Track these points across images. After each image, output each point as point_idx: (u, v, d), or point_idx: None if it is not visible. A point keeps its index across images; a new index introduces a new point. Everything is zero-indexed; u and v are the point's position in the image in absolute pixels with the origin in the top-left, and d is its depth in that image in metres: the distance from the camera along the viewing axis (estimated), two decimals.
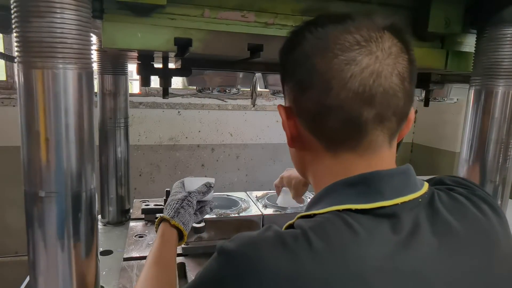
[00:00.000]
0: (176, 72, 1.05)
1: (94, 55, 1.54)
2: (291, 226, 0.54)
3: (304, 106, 0.59)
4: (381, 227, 0.51)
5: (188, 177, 1.13)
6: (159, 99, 3.65)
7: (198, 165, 3.98)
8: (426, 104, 1.30)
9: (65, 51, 0.67)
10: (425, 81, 1.21)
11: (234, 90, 1.22)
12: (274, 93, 1.31)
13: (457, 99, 1.43)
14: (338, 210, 0.53)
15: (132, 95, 3.57)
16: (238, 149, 4.08)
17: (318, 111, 0.56)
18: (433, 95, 1.35)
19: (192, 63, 1.07)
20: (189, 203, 1.01)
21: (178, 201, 1.00)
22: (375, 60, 0.52)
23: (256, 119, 4.05)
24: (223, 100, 3.89)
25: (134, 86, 3.86)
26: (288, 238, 0.49)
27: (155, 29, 0.82)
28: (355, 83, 0.52)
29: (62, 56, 0.67)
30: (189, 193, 1.03)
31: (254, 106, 4.04)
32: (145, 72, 1.00)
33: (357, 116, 0.54)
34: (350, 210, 0.53)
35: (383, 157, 0.58)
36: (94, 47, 1.54)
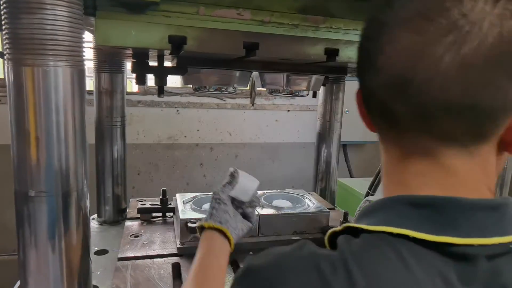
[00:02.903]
0: (172, 71, 1.04)
1: (91, 53, 1.53)
2: (333, 239, 0.46)
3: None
4: (446, 270, 0.40)
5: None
6: (158, 98, 3.64)
7: (197, 164, 3.97)
8: None
9: (56, 48, 0.66)
10: None
11: (230, 89, 1.21)
12: (271, 92, 1.30)
13: None
14: (391, 234, 0.42)
15: (131, 93, 3.56)
16: (237, 148, 4.07)
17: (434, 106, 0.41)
18: None
19: (188, 62, 1.06)
20: (218, 200, 0.91)
21: (210, 205, 0.92)
22: None
23: (255, 118, 4.04)
24: (222, 99, 3.88)
25: (133, 84, 3.84)
26: (325, 265, 0.41)
27: (149, 27, 0.81)
28: None
29: (53, 53, 0.66)
30: (214, 192, 0.94)
31: (253, 105, 4.02)
32: (140, 70, 0.99)
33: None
34: (406, 237, 0.41)
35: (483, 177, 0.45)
36: (90, 44, 1.53)
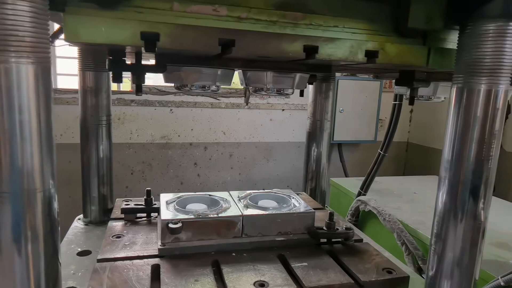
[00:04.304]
0: (150, 68, 1.02)
1: (75, 51, 1.51)
2: None
3: None
4: None
5: None
6: (151, 97, 3.62)
7: (191, 163, 3.95)
8: (411, 102, 1.26)
9: (18, 44, 0.64)
10: (409, 79, 1.17)
11: (213, 87, 1.19)
12: (255, 90, 1.27)
13: (444, 98, 1.39)
14: None
15: (124, 92, 3.54)
16: (231, 147, 4.06)
17: None
18: (420, 93, 1.31)
19: (167, 59, 1.03)
20: None
21: None
22: None
23: (250, 118, 4.02)
24: (216, 98, 3.85)
25: (127, 84, 3.81)
26: None
27: (120, 23, 0.79)
28: None
29: (14, 49, 0.64)
30: None
31: (247, 104, 4.01)
32: (116, 67, 0.96)
33: None
34: None
35: None
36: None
